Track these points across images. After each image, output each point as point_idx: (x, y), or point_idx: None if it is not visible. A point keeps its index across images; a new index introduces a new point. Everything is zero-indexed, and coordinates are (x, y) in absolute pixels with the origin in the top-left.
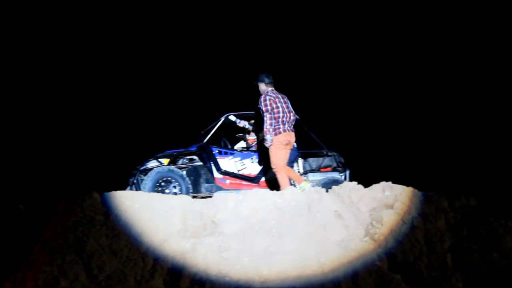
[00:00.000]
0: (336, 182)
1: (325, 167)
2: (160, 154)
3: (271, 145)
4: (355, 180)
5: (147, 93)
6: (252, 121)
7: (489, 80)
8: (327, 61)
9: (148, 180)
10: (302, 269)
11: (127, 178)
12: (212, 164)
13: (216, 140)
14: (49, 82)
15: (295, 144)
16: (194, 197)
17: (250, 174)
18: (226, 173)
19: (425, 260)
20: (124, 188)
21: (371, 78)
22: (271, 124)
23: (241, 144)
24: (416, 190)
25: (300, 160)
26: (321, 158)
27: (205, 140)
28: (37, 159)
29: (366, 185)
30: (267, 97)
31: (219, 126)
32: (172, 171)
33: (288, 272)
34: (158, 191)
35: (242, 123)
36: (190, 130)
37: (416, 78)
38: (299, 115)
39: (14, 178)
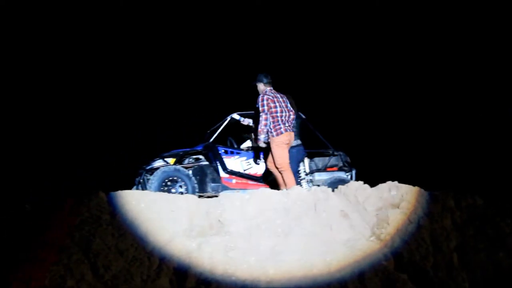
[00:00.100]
0: (342, 181)
1: (331, 166)
2: (166, 154)
3: (274, 145)
4: (361, 180)
5: (147, 93)
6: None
7: (498, 79)
8: (334, 60)
9: (154, 180)
10: (308, 269)
11: (127, 178)
12: (218, 164)
13: (222, 140)
14: (50, 82)
15: (298, 142)
16: (200, 196)
17: (256, 173)
18: (232, 173)
19: (431, 259)
20: (124, 188)
21: (377, 78)
22: (265, 125)
23: (248, 144)
24: (422, 190)
25: (306, 160)
26: (327, 158)
27: (211, 140)
28: (37, 159)
29: (372, 184)
30: (265, 97)
31: (225, 126)
32: (178, 170)
33: (294, 271)
34: (164, 191)
35: (247, 121)
36: (190, 130)
37: (422, 79)
38: (306, 114)
39: (14, 178)
